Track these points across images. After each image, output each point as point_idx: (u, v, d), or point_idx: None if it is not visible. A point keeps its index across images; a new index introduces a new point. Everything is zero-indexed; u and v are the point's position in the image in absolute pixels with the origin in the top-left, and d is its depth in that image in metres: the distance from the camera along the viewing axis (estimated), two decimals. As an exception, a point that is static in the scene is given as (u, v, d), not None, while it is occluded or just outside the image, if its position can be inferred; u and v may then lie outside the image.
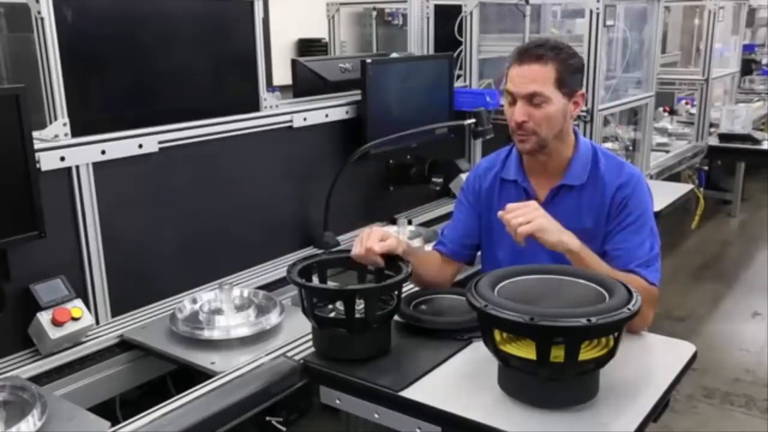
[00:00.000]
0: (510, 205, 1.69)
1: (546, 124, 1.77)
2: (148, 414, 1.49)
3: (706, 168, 5.21)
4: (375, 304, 1.63)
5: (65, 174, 1.91)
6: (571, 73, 1.77)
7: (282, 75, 3.70)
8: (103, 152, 1.97)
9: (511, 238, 1.93)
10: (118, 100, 2.20)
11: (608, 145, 3.76)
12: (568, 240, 1.66)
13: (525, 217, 1.64)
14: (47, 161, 1.84)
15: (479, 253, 2.04)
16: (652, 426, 1.44)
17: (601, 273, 1.57)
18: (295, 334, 1.83)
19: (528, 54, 1.75)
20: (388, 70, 2.82)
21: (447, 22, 3.48)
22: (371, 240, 1.71)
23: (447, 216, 2.25)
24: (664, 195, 3.22)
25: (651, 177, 3.91)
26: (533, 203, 1.69)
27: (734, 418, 3.15)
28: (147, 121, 2.10)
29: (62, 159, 1.88)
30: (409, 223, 2.82)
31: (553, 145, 1.82)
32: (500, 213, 1.68)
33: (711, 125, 5.06)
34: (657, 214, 1.89)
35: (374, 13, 4.79)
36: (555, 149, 1.83)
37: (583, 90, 1.82)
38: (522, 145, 1.82)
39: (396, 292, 1.68)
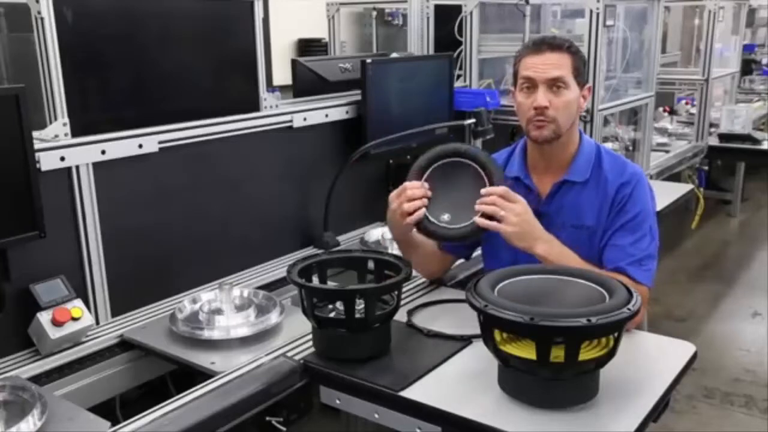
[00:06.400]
0: (491, 189, 1.73)
1: (565, 111, 1.79)
2: (148, 414, 1.49)
3: (706, 168, 5.20)
4: (375, 304, 1.63)
5: (65, 174, 1.91)
6: (582, 64, 1.84)
7: (282, 75, 3.70)
8: (103, 152, 1.97)
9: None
10: (118, 100, 2.19)
11: (608, 145, 3.76)
12: (539, 248, 1.72)
13: (500, 212, 1.70)
14: (47, 161, 1.84)
15: (480, 252, 2.05)
16: (652, 426, 1.44)
17: (599, 272, 1.57)
18: (295, 334, 1.83)
19: (545, 43, 1.81)
20: (388, 70, 2.82)
21: (447, 22, 3.48)
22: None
23: (447, 216, 2.26)
24: (664, 195, 3.22)
25: (651, 177, 3.90)
26: (521, 205, 1.72)
27: (734, 418, 3.15)
28: (147, 121, 2.10)
29: (62, 159, 1.88)
30: (409, 223, 2.82)
31: (565, 137, 1.83)
32: (483, 190, 1.73)
33: (711, 125, 5.06)
34: (657, 214, 1.89)
35: (374, 13, 4.77)
36: (564, 142, 1.84)
37: (590, 84, 1.86)
38: (539, 132, 1.80)
39: (396, 292, 1.68)
